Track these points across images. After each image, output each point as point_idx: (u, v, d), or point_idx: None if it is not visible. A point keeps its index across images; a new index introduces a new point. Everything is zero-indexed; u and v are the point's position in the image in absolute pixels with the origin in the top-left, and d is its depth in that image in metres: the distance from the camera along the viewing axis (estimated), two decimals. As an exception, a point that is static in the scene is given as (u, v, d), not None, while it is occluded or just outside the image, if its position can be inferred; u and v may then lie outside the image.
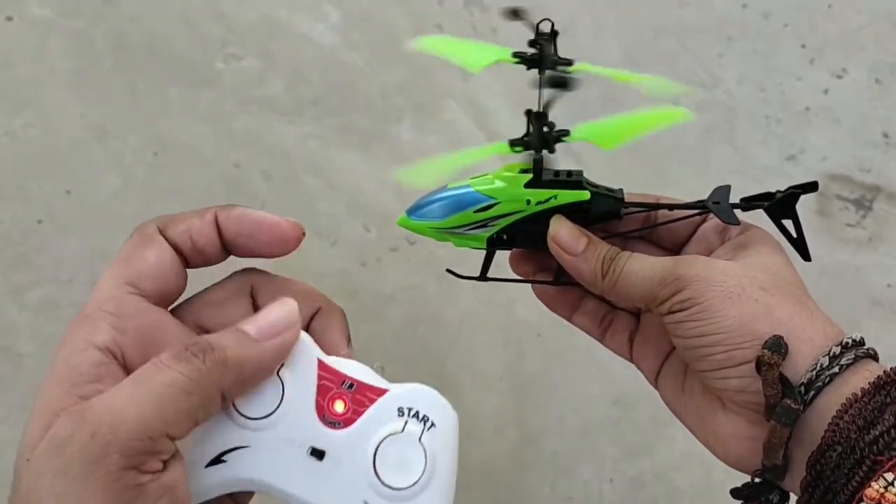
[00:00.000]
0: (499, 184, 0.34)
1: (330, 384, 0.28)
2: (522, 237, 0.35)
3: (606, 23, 0.89)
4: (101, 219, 0.79)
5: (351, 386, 0.28)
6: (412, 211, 0.35)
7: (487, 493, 0.75)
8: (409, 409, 0.28)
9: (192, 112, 0.83)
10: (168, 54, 0.85)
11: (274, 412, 0.27)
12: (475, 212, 0.34)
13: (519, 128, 0.87)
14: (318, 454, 0.27)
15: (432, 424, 0.28)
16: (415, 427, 0.27)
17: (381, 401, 0.28)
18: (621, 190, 0.37)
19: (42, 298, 0.76)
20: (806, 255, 0.39)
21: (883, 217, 0.82)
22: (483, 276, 0.37)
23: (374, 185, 0.82)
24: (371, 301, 0.76)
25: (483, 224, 0.34)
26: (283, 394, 0.27)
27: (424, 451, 0.27)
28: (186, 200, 0.80)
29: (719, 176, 0.84)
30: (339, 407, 0.28)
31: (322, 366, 0.28)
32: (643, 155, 0.84)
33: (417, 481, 0.26)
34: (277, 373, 0.27)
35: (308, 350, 0.28)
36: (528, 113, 0.35)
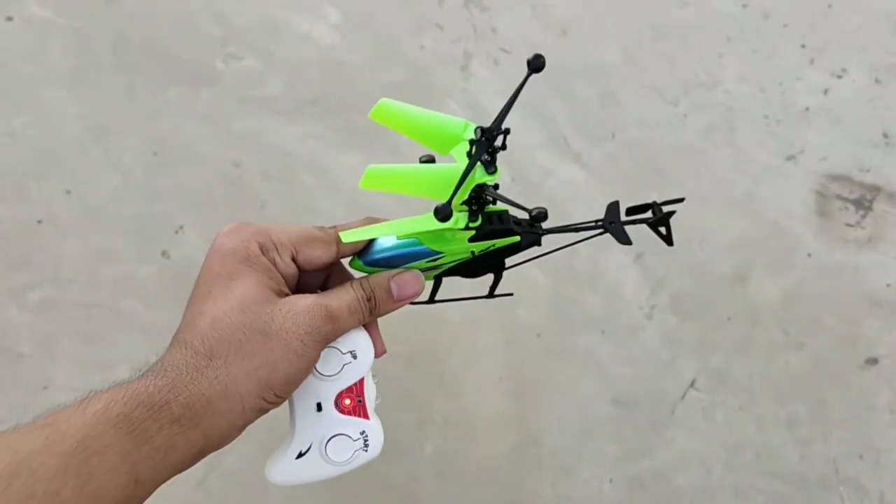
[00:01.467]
0: (447, 237, 0.38)
1: (352, 389, 0.40)
2: (465, 271, 0.42)
3: (606, 23, 0.89)
4: (101, 219, 0.79)
5: (360, 401, 0.40)
6: (368, 260, 0.39)
7: (487, 493, 0.75)
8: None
9: (192, 112, 0.83)
10: (168, 54, 0.85)
11: (331, 375, 0.38)
12: (427, 262, 0.39)
13: (518, 128, 0.87)
14: (318, 407, 0.39)
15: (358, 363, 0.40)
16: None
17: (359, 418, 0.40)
18: (543, 210, 0.39)
19: (42, 298, 0.76)
20: (671, 243, 0.44)
21: (883, 217, 0.82)
22: (431, 300, 0.45)
23: (374, 185, 0.83)
24: (371, 301, 0.76)
25: (433, 268, 0.40)
26: (340, 370, 0.38)
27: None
28: (186, 200, 0.80)
29: (719, 175, 0.84)
30: (346, 402, 0.40)
31: (362, 380, 0.40)
32: (643, 155, 0.84)
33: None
34: (344, 353, 0.38)
35: (367, 361, 0.40)
36: (479, 189, 0.37)
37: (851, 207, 0.83)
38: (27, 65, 0.83)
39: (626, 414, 0.77)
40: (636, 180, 0.84)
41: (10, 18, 0.85)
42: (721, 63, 0.88)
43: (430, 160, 0.41)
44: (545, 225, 0.41)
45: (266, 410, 0.35)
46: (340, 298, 0.36)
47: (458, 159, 0.36)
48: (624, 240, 0.41)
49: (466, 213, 0.37)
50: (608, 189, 0.83)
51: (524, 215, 0.39)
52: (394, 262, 0.39)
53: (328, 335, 0.36)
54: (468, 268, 0.41)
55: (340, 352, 0.38)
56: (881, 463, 0.75)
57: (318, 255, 0.37)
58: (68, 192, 0.80)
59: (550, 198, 0.83)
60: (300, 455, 0.39)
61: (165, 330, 0.82)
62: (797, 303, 0.80)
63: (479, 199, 0.37)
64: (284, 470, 0.40)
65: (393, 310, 0.39)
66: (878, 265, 0.81)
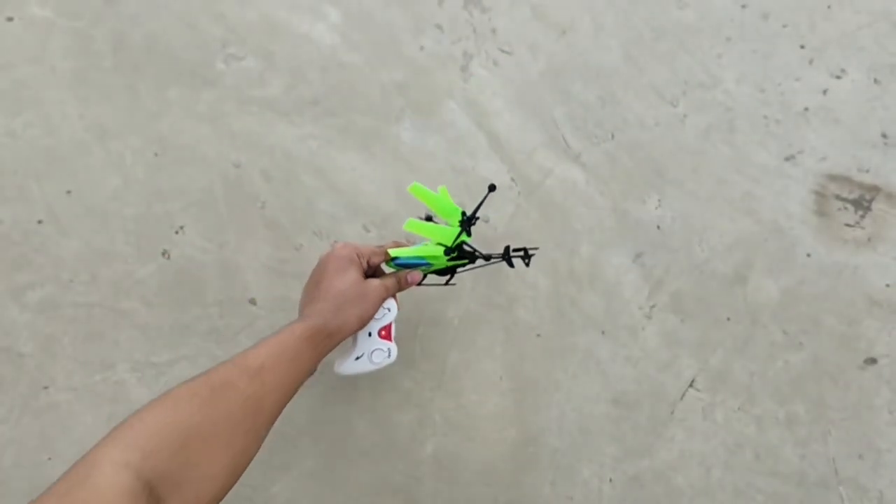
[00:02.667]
0: (439, 257, 0.69)
1: (387, 327, 0.71)
2: (441, 273, 0.72)
3: (606, 23, 0.89)
4: (102, 219, 0.79)
5: (390, 333, 0.71)
6: (397, 263, 0.70)
7: (487, 492, 0.75)
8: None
9: (193, 112, 0.83)
10: (168, 55, 0.85)
11: (378, 319, 0.70)
12: (424, 268, 0.71)
13: (517, 129, 0.87)
14: (369, 334, 0.70)
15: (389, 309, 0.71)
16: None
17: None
18: (488, 254, 0.71)
19: (42, 299, 0.76)
20: (511, 265, 0.71)
21: (882, 217, 0.83)
22: (421, 283, 0.72)
23: (374, 186, 0.83)
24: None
25: (427, 270, 0.72)
26: (383, 316, 0.70)
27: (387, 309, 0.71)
28: (187, 200, 0.80)
29: (718, 176, 0.84)
30: (383, 333, 0.70)
31: (391, 323, 0.71)
32: (643, 155, 0.85)
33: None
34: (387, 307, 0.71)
35: (395, 312, 0.71)
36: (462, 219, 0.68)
37: (850, 208, 0.83)
38: (28, 65, 0.83)
39: (625, 414, 0.77)
40: (635, 180, 0.84)
41: (10, 19, 0.85)
42: (720, 63, 0.88)
43: (429, 218, 0.70)
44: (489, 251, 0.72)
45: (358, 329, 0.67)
46: (389, 280, 0.68)
47: (453, 224, 0.68)
48: (510, 264, 0.70)
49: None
50: (608, 189, 0.83)
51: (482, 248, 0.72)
52: (409, 266, 0.71)
53: (384, 297, 0.67)
54: (443, 272, 0.73)
55: (384, 306, 0.70)
56: (880, 462, 0.75)
57: (376, 261, 0.69)
58: (69, 192, 0.80)
59: (550, 197, 0.83)
60: (357, 358, 0.70)
61: (165, 329, 0.82)
62: (796, 303, 0.80)
63: (458, 249, 0.69)
64: (347, 366, 0.69)
65: (406, 288, 0.70)
66: (877, 265, 0.81)
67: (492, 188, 0.67)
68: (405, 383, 0.78)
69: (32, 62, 0.84)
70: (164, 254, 0.79)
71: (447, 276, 0.74)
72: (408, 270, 0.70)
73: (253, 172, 0.82)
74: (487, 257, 0.71)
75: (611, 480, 0.75)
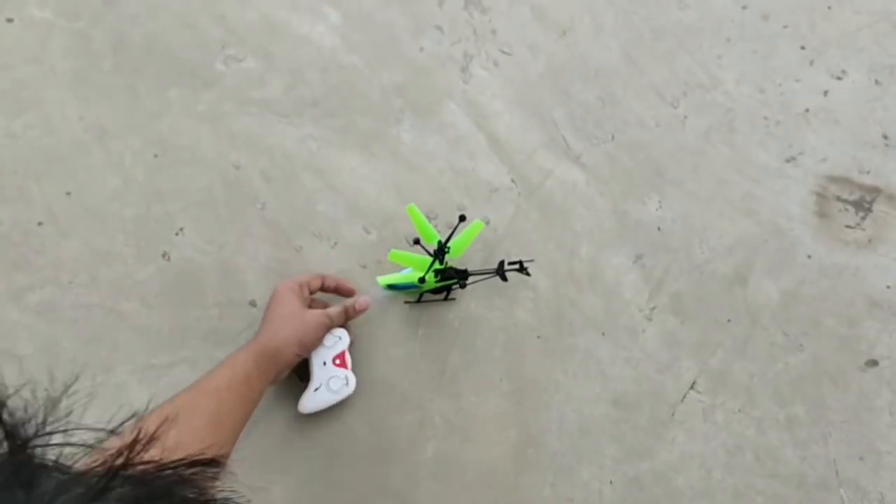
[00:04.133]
0: (429, 281, 0.74)
1: (340, 355, 0.74)
2: (436, 291, 0.78)
3: (606, 23, 0.89)
4: (102, 220, 0.79)
5: (344, 361, 0.74)
6: (388, 285, 0.76)
7: (487, 494, 0.74)
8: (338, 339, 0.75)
9: (193, 113, 0.83)
10: (168, 55, 0.85)
11: (330, 346, 0.74)
12: (413, 291, 0.78)
13: (518, 129, 0.87)
14: (324, 363, 0.74)
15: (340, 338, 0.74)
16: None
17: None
18: (465, 273, 0.75)
19: (42, 300, 0.76)
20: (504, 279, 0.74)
21: (882, 218, 0.82)
22: (419, 301, 0.80)
23: (375, 187, 0.83)
24: (371, 303, 0.76)
25: (420, 291, 0.78)
26: (334, 344, 0.74)
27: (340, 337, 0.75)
28: (187, 202, 0.80)
29: (719, 177, 0.84)
30: (337, 361, 0.74)
31: (344, 350, 0.74)
32: (643, 156, 0.84)
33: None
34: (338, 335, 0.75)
35: (346, 341, 0.74)
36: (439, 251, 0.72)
37: (851, 209, 0.83)
38: (28, 66, 0.83)
39: (626, 415, 0.77)
40: (636, 181, 0.84)
41: (10, 20, 0.85)
42: (721, 64, 0.88)
43: (417, 241, 0.72)
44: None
45: (301, 358, 0.71)
46: (333, 310, 0.73)
47: (429, 251, 0.73)
48: (504, 279, 0.73)
49: (433, 273, 0.74)
50: (608, 190, 0.83)
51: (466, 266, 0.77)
52: (404, 289, 0.77)
53: (328, 326, 0.73)
54: (438, 290, 0.78)
55: (334, 335, 0.74)
56: (881, 464, 0.75)
57: (316, 285, 0.75)
58: (69, 193, 0.80)
59: (550, 198, 0.83)
60: (316, 389, 0.73)
61: (165, 331, 0.82)
62: (797, 304, 0.80)
63: (445, 271, 0.74)
64: (308, 399, 0.72)
65: (356, 317, 0.75)
66: (878, 266, 0.81)
67: (462, 218, 0.72)
68: (404, 385, 0.77)
69: (32, 63, 0.84)
70: (163, 255, 0.79)
71: (444, 293, 0.78)
72: (354, 298, 0.75)
73: (253, 173, 0.82)
74: (481, 272, 0.74)
75: (611, 482, 0.75)
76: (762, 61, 0.88)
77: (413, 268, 0.74)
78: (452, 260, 0.75)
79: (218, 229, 0.80)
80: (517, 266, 0.72)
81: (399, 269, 0.77)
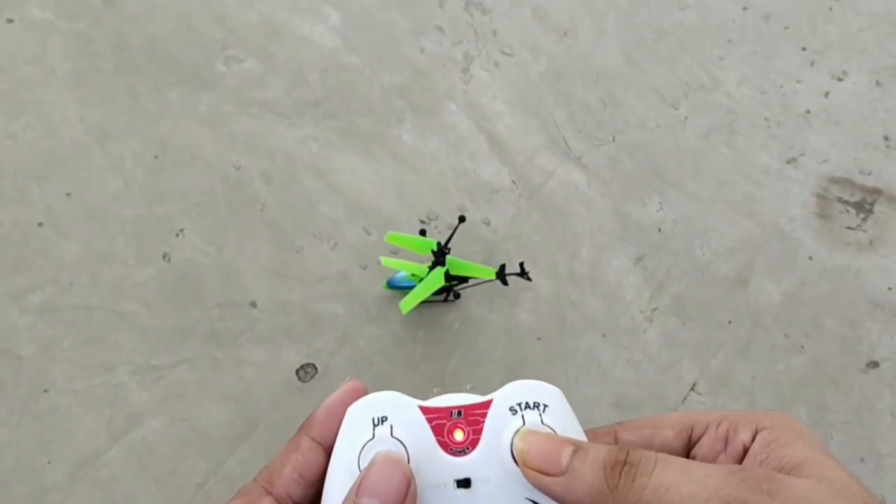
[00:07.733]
0: (433, 278, 0.68)
1: (441, 420, 0.30)
2: (437, 293, 0.71)
3: (607, 24, 0.89)
4: (102, 221, 0.79)
5: (459, 413, 0.31)
6: (392, 285, 0.75)
7: (488, 496, 0.74)
8: (519, 404, 0.30)
9: (193, 114, 0.83)
10: (168, 56, 0.85)
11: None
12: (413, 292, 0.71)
13: (518, 131, 0.87)
14: (464, 483, 0.29)
15: (545, 406, 0.30)
16: (532, 416, 0.30)
17: (491, 411, 0.30)
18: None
19: (42, 301, 0.76)
20: (506, 282, 0.69)
21: (884, 220, 0.82)
22: (425, 301, 0.71)
23: (375, 188, 0.82)
24: (371, 304, 0.76)
25: (431, 291, 0.70)
26: (406, 451, 0.29)
27: (552, 430, 0.29)
28: (187, 203, 0.80)
29: (720, 178, 0.84)
30: (458, 436, 0.30)
31: (424, 410, 0.31)
32: (644, 157, 0.84)
33: None
34: (392, 435, 0.29)
35: (405, 403, 0.31)
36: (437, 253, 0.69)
37: (852, 210, 0.83)
38: (27, 67, 0.83)
39: (627, 416, 0.77)
40: (637, 182, 0.84)
41: (10, 20, 0.85)
42: (721, 65, 0.88)
43: (422, 232, 0.69)
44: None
45: None
46: None
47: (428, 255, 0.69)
48: (505, 283, 0.68)
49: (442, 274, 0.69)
50: (609, 191, 0.83)
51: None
52: (402, 288, 0.74)
53: None
54: (438, 291, 0.72)
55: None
56: (882, 466, 0.75)
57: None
58: (69, 194, 0.80)
59: (551, 199, 0.82)
60: None
61: (166, 332, 0.82)
62: (798, 306, 0.80)
63: (449, 275, 0.69)
64: None
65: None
66: (880, 268, 0.81)
67: (462, 219, 0.68)
68: (405, 387, 0.77)
69: (32, 64, 0.84)
70: (164, 256, 0.79)
71: (444, 295, 0.75)
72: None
73: (253, 174, 0.82)
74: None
75: (612, 484, 0.75)
76: (763, 62, 0.88)
77: (408, 272, 0.72)
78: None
79: (218, 230, 0.80)
80: (519, 271, 0.71)
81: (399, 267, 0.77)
